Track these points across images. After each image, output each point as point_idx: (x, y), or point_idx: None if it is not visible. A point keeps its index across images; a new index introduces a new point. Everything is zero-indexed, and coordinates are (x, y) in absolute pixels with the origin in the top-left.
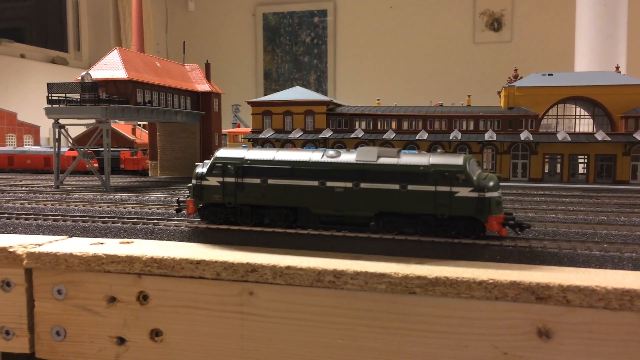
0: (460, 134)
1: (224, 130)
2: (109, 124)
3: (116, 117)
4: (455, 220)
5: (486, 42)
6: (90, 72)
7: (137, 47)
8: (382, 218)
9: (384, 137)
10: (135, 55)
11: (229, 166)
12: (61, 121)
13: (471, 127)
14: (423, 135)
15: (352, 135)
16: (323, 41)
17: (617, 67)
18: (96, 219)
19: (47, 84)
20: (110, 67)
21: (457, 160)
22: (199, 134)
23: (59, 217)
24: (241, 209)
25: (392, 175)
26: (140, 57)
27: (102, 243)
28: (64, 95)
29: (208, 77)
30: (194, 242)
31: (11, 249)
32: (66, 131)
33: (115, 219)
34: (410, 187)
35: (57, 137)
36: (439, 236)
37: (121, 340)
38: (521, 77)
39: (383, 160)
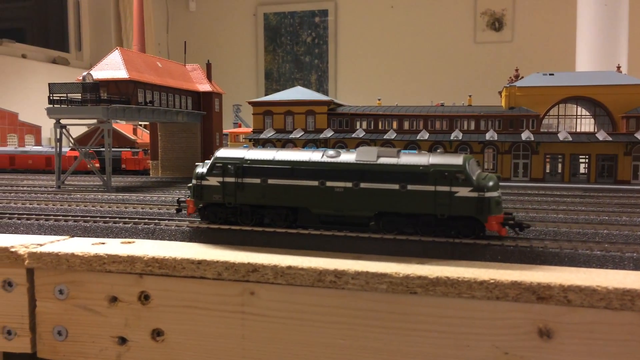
0: (461, 134)
1: (225, 130)
2: (110, 124)
3: (117, 117)
4: (455, 220)
5: (487, 41)
6: (91, 72)
7: (138, 47)
8: (382, 218)
9: (385, 137)
10: (136, 55)
11: (229, 166)
12: (62, 121)
13: (472, 127)
14: (424, 135)
15: (353, 135)
16: (324, 41)
17: (619, 67)
18: (97, 219)
19: (49, 84)
20: (112, 67)
21: (457, 160)
22: (200, 134)
23: (61, 217)
24: (241, 209)
25: (392, 175)
26: (142, 57)
27: (103, 243)
28: (65, 95)
29: (209, 77)
30: (195, 242)
31: (13, 249)
32: (67, 131)
33: (117, 219)
34: (410, 187)
35: (58, 137)
36: (439, 236)
37: (122, 340)
38: (522, 77)
39: (383, 160)
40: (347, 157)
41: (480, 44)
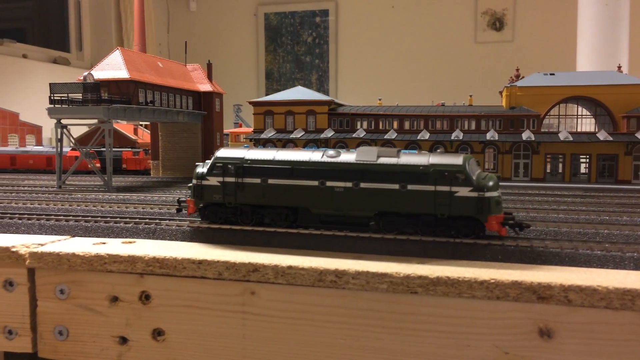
0: (462, 134)
1: (225, 130)
2: (111, 124)
3: (118, 117)
4: (455, 220)
5: (488, 41)
6: (92, 72)
7: (139, 47)
8: (382, 218)
9: (385, 137)
10: (137, 55)
11: (229, 166)
12: (63, 121)
13: (473, 126)
14: (425, 135)
15: (353, 135)
16: (325, 41)
17: (619, 67)
18: (98, 218)
19: (50, 84)
20: (112, 67)
21: (457, 160)
22: (200, 134)
23: (62, 217)
24: (241, 208)
25: (392, 175)
26: (142, 57)
27: (104, 243)
28: (66, 95)
29: (210, 77)
30: (195, 242)
31: (14, 249)
32: (68, 131)
33: (118, 219)
34: (410, 186)
35: (59, 137)
36: (439, 236)
37: (123, 340)
38: (523, 77)
39: (383, 160)
40: (347, 157)
41: (481, 44)
